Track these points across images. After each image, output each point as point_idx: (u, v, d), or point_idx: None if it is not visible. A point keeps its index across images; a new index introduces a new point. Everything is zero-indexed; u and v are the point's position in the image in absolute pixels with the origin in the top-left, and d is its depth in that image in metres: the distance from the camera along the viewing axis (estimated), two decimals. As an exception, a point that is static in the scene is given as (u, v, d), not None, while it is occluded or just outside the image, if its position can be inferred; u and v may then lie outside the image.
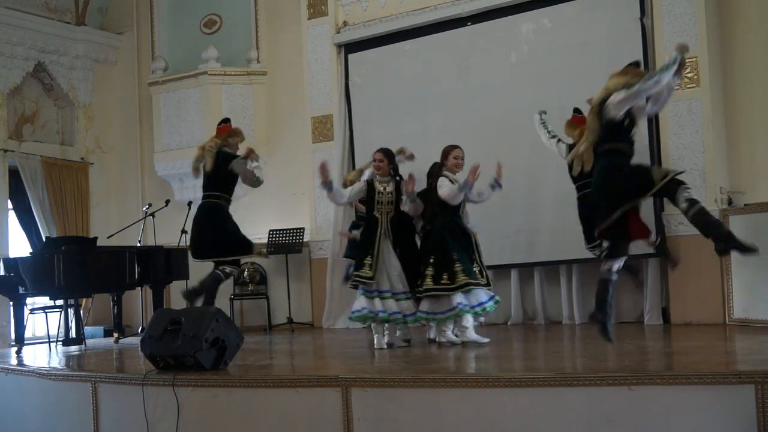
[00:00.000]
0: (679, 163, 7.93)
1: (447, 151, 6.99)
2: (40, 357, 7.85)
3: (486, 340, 6.67)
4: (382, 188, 6.89)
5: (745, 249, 4.96)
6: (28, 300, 9.17)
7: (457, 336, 6.71)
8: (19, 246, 11.15)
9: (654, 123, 8.13)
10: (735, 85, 8.12)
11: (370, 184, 6.95)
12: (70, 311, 9.10)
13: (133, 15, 12.17)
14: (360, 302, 6.72)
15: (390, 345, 6.76)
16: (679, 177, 5.16)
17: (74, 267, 8.37)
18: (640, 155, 7.76)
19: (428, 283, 6.64)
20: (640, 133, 8.07)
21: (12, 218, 11.10)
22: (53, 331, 9.36)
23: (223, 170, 7.63)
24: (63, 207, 11.33)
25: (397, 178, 7.00)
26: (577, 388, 4.44)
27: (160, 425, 5.42)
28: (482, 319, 7.05)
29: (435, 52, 9.48)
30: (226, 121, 8.08)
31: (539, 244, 8.72)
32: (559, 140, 7.54)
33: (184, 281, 9.06)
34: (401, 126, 9.58)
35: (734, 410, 4.17)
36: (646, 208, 7.62)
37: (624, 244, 5.32)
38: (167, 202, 10.29)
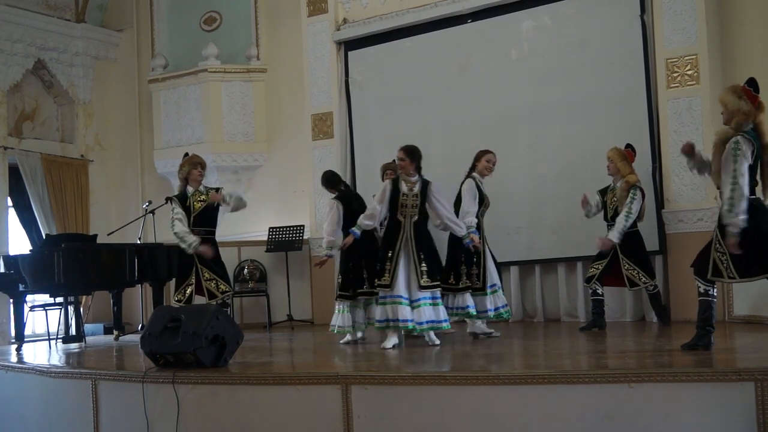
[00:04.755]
0: (679, 161, 7.92)
1: (479, 155, 7.27)
2: (40, 354, 7.85)
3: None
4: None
5: None
6: (28, 297, 9.17)
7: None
8: (19, 243, 11.16)
9: (654, 121, 8.14)
10: (735, 81, 8.06)
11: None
12: (70, 309, 9.10)
13: (133, 12, 12.17)
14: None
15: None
16: None
17: (74, 264, 8.36)
18: (641, 154, 7.84)
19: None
20: (640, 132, 8.16)
21: (12, 215, 11.10)
22: (53, 329, 9.36)
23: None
24: (63, 204, 11.33)
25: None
26: (578, 385, 4.44)
27: (160, 423, 5.42)
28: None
29: (435, 50, 9.47)
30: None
31: (540, 241, 8.73)
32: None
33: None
34: (401, 123, 9.58)
35: (734, 407, 4.17)
36: (648, 207, 7.65)
37: None
38: (167, 199, 10.26)
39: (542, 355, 5.97)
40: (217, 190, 7.86)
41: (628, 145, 7.53)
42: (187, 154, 8.04)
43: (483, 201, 7.12)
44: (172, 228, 7.53)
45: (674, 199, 8.01)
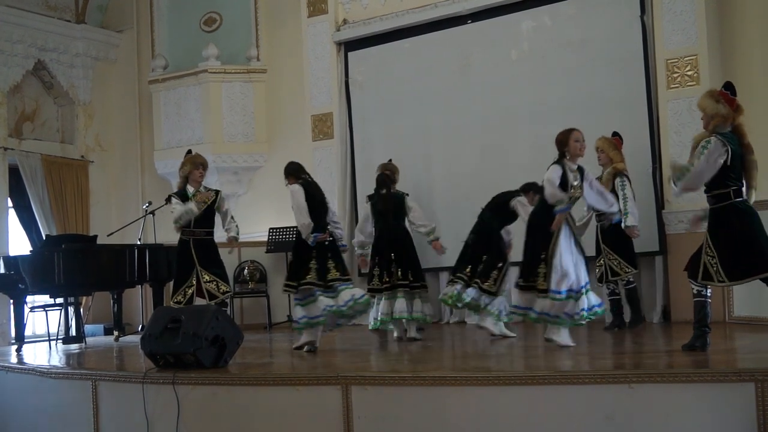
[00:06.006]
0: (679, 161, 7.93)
1: (565, 137, 5.99)
2: (40, 355, 7.85)
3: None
4: None
5: None
6: (29, 298, 9.17)
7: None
8: (19, 244, 11.15)
9: (655, 121, 8.14)
10: (735, 82, 7.95)
11: None
12: (70, 309, 9.10)
13: (133, 13, 12.16)
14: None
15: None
16: None
17: (74, 265, 8.37)
18: (641, 153, 7.84)
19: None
20: (640, 132, 8.15)
21: (12, 216, 11.10)
22: (53, 330, 9.36)
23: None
24: (63, 205, 11.33)
25: None
26: (578, 386, 4.44)
27: (160, 423, 5.42)
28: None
29: (435, 50, 9.47)
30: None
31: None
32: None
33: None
34: (401, 123, 9.60)
35: (734, 408, 4.17)
36: (648, 208, 7.64)
37: None
38: (167, 199, 10.26)
39: (542, 355, 5.96)
40: (217, 192, 7.87)
41: (615, 133, 7.50)
42: (190, 152, 8.04)
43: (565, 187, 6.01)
44: (174, 216, 7.56)
45: (674, 200, 8.00)
